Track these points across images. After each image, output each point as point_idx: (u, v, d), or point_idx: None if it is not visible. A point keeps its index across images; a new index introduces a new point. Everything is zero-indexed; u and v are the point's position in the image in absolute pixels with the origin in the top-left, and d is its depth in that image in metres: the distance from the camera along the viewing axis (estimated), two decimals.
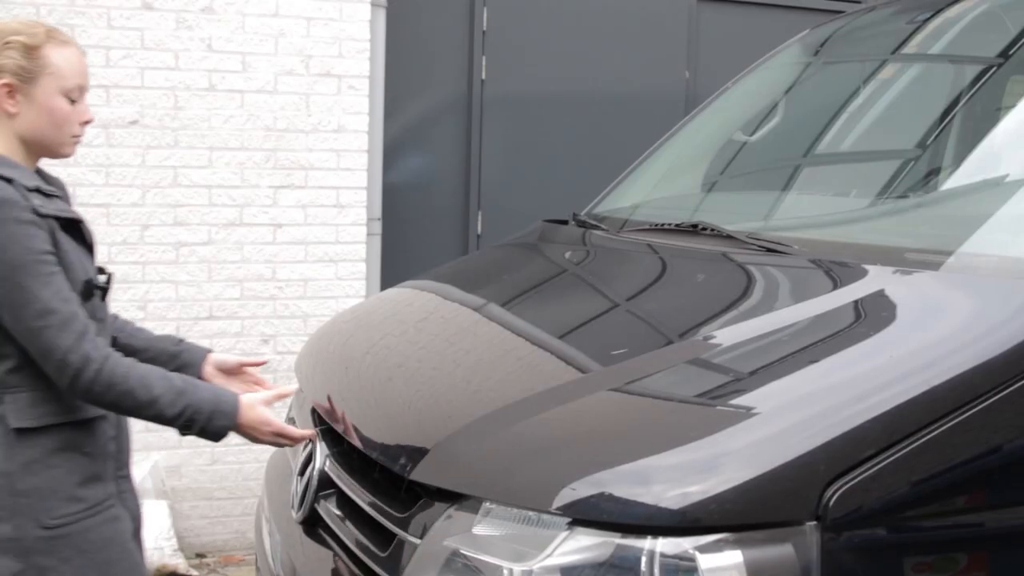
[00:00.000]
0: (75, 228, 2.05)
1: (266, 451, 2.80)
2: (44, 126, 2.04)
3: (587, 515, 1.53)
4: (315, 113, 4.39)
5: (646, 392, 1.79)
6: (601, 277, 2.52)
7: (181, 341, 2.32)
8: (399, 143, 4.84)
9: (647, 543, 1.49)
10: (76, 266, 2.01)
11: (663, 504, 1.49)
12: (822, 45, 3.24)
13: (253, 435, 2.12)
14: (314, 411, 2.59)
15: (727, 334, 1.88)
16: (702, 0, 5.28)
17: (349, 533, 2.03)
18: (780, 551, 1.46)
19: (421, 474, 1.79)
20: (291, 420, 2.74)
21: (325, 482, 2.21)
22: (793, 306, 1.96)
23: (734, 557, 1.45)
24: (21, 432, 1.96)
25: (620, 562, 1.50)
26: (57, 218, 1.99)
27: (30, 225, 1.92)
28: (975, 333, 1.68)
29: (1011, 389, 1.56)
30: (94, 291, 2.06)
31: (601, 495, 1.53)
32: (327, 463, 2.23)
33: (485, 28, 4.90)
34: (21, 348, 1.93)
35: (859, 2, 4.83)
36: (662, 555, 1.47)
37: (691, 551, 1.46)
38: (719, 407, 1.66)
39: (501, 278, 2.79)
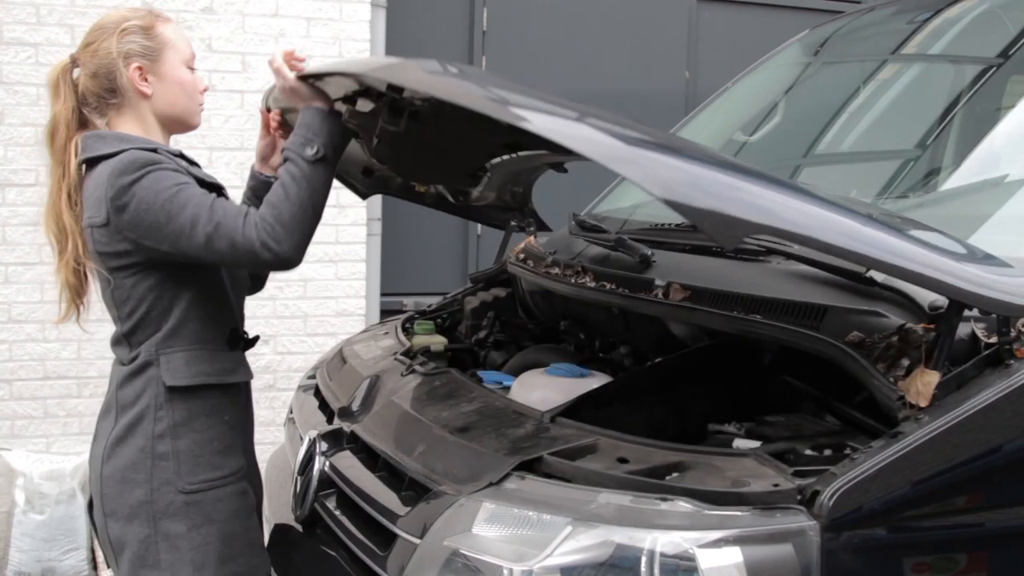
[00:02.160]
0: (218, 193, 2.10)
1: (266, 451, 2.80)
2: (178, 98, 2.11)
3: None
4: None
5: None
6: None
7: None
8: None
9: (647, 543, 1.49)
10: None
11: None
12: (822, 45, 3.24)
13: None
14: (322, 407, 2.59)
15: None
16: (702, 0, 5.29)
17: (349, 533, 2.03)
18: (780, 551, 1.46)
19: None
20: (291, 420, 2.74)
21: (325, 482, 2.22)
22: None
23: (734, 556, 1.46)
24: (172, 392, 2.01)
25: (620, 562, 1.50)
26: (200, 180, 2.04)
27: (174, 171, 1.97)
28: None
29: (1011, 388, 1.57)
30: None
31: None
32: (327, 463, 2.23)
33: (485, 28, 4.90)
34: (181, 310, 2.01)
35: (859, 2, 4.83)
36: (662, 555, 1.48)
37: (691, 550, 1.46)
38: None
39: None
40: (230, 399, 2.11)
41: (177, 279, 2.02)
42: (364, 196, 3.03)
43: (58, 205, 2.03)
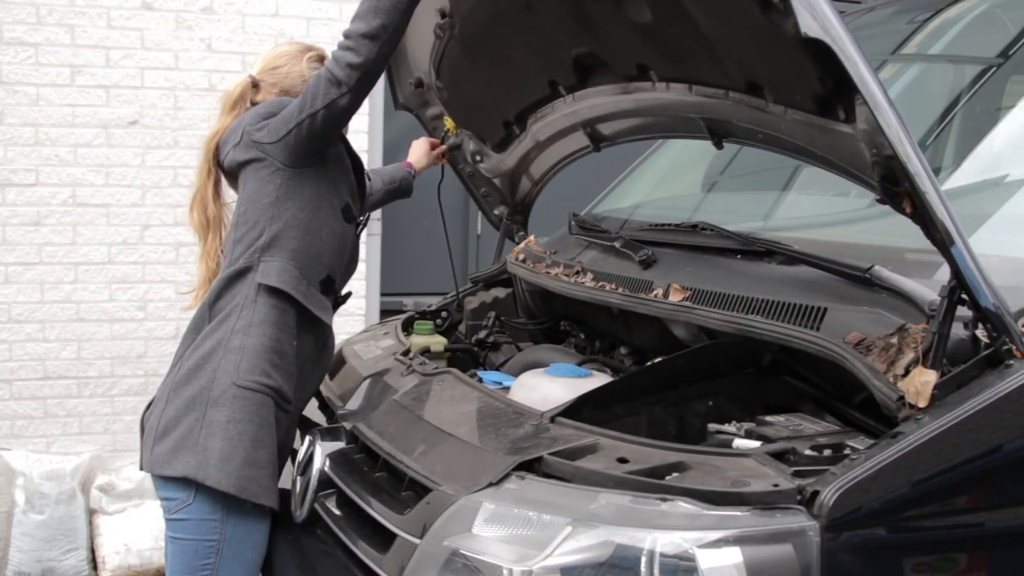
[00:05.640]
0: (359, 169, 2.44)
1: None
2: None
3: None
4: None
5: None
6: None
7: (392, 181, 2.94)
8: (399, 143, 4.83)
9: (647, 543, 1.49)
10: (342, 184, 2.35)
11: None
12: None
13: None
14: (322, 407, 2.60)
15: None
16: None
17: (349, 533, 2.03)
18: (780, 551, 1.46)
19: None
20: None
21: (325, 482, 2.22)
22: None
23: (734, 556, 1.46)
24: (260, 293, 2.20)
25: (620, 562, 1.50)
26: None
27: None
28: None
29: (1011, 388, 1.57)
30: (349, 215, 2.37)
31: None
32: (327, 463, 2.23)
33: None
34: (286, 223, 2.23)
35: (859, 2, 4.83)
36: (662, 555, 1.48)
37: (691, 550, 1.46)
38: None
39: None
40: (309, 331, 2.28)
41: (292, 192, 2.23)
42: (398, 104, 3.14)
43: (206, 196, 2.37)
